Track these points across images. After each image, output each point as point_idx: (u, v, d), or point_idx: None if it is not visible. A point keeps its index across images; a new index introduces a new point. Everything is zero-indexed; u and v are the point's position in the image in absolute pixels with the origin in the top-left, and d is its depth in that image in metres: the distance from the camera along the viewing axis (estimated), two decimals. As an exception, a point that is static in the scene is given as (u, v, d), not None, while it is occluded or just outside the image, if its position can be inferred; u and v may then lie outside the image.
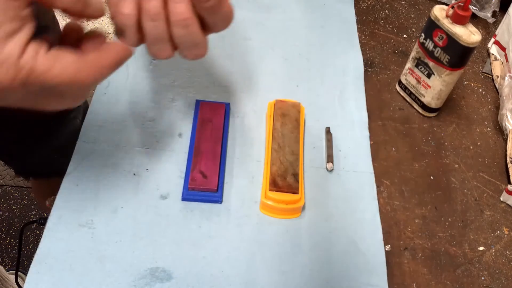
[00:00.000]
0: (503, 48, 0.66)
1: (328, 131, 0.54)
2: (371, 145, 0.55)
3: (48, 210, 0.45)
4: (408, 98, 0.60)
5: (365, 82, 0.61)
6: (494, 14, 0.72)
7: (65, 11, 0.31)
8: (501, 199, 0.53)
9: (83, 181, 0.46)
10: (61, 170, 0.49)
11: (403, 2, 0.75)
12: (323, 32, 0.66)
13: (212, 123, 0.51)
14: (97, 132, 0.50)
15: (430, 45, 0.54)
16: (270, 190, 0.46)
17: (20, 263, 0.71)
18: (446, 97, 0.58)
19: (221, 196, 0.47)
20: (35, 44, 0.29)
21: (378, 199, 0.50)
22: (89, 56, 0.31)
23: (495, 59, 0.67)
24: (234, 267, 0.43)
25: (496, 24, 0.72)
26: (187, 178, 0.47)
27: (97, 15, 0.32)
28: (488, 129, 0.60)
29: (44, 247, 0.42)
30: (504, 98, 0.59)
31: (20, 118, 0.63)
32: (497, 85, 0.64)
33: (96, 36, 0.33)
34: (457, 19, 0.51)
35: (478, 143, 0.58)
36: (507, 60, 0.64)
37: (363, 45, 0.66)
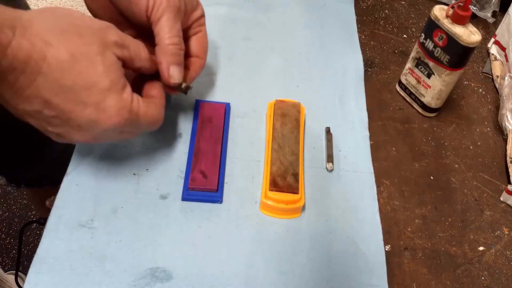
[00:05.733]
0: (503, 48, 0.66)
1: (328, 131, 0.54)
2: (371, 145, 0.55)
3: (48, 210, 0.45)
4: (408, 98, 0.60)
5: (365, 82, 0.61)
6: (494, 14, 0.72)
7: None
8: (501, 199, 0.53)
9: (83, 181, 0.46)
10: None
11: (403, 2, 0.75)
12: (323, 32, 0.66)
13: (212, 123, 0.51)
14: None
15: (430, 45, 0.54)
16: (270, 190, 0.46)
17: (20, 263, 0.70)
18: (446, 97, 0.58)
19: (221, 196, 0.47)
20: (135, 94, 0.39)
21: (378, 199, 0.50)
22: (160, 100, 0.42)
23: (495, 59, 0.67)
24: (234, 267, 0.43)
25: (496, 24, 0.72)
26: (187, 178, 0.47)
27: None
28: (488, 129, 0.60)
29: (44, 247, 0.42)
30: (504, 98, 0.60)
31: (13, 131, 0.63)
32: (497, 85, 0.64)
33: (157, 84, 0.43)
34: (457, 19, 0.51)
35: (478, 143, 0.58)
36: (507, 60, 0.64)
37: (363, 45, 0.66)
